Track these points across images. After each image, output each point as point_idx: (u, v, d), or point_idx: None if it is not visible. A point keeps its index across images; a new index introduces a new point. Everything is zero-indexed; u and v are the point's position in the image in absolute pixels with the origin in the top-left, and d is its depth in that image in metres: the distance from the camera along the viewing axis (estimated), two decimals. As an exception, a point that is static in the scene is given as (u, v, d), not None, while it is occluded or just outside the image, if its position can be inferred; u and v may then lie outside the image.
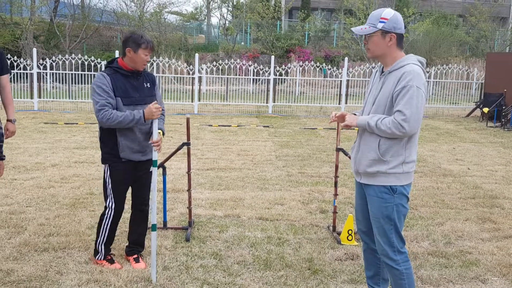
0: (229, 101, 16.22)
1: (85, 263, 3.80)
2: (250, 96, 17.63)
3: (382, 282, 3.22)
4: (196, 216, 4.98)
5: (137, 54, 3.55)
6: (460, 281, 3.70)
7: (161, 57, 16.54)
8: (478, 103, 15.12)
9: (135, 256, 3.89)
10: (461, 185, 6.58)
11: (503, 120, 12.98)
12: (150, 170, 3.74)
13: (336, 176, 4.55)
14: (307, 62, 16.81)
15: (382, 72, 2.93)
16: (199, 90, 15.48)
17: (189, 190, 4.57)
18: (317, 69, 16.86)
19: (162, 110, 3.75)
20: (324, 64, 17.66)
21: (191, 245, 4.22)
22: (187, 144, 4.43)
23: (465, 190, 6.34)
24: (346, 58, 15.43)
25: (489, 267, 3.95)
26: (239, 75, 18.22)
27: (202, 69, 16.05)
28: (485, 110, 13.69)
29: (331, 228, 4.65)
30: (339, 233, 4.48)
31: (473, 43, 30.43)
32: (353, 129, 3.13)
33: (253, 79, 18.11)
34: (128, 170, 3.70)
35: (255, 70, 15.97)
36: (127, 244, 3.98)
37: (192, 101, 14.94)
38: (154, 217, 3.54)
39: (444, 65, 16.83)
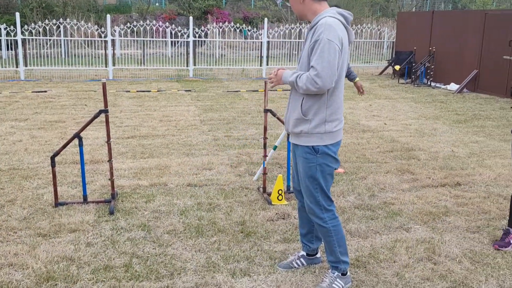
0: (146, 65, 15.50)
1: (-4, 247, 3.44)
2: (168, 59, 16.99)
3: (316, 239, 3.25)
4: (119, 187, 4.70)
5: None
6: (386, 231, 3.85)
7: (68, 19, 15.25)
8: (390, 61, 15.82)
9: None
10: (380, 140, 6.87)
11: (413, 76, 13.72)
12: None
13: (265, 138, 4.48)
14: (226, 23, 16.42)
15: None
16: (113, 54, 14.59)
17: (110, 160, 4.27)
18: (237, 30, 16.58)
19: None
20: (244, 25, 17.36)
21: (116, 218, 3.98)
22: (105, 111, 4.09)
23: (384, 144, 6.63)
24: (266, 19, 15.28)
25: (411, 216, 4.17)
26: (155, 37, 17.40)
27: (115, 31, 15.08)
28: (397, 67, 14.37)
29: (261, 189, 4.62)
30: (269, 194, 4.47)
31: (384, 3, 31.62)
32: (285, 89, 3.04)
33: (171, 42, 17.42)
34: None
35: (173, 32, 15.32)
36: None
37: (106, 66, 14.06)
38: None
39: (359, 25, 17.31)
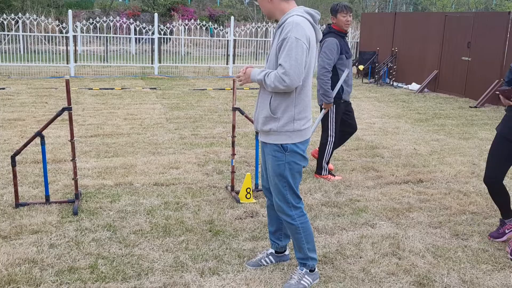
0: (109, 62, 15.17)
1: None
2: (133, 57, 16.68)
3: (284, 237, 3.27)
4: (83, 187, 4.58)
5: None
6: (352, 228, 3.93)
7: (27, 14, 14.71)
8: (354, 61, 16.11)
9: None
10: (346, 138, 6.98)
11: (376, 76, 14.03)
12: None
13: (233, 136, 4.47)
14: (193, 20, 16.27)
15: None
16: (75, 51, 14.20)
17: (73, 159, 4.15)
18: (203, 28, 16.46)
19: None
20: (210, 23, 17.25)
21: (80, 219, 3.87)
22: (68, 109, 3.97)
23: (349, 142, 6.73)
24: (232, 18, 15.24)
25: (376, 213, 4.26)
26: (119, 34, 17.06)
27: (77, 27, 14.67)
28: (361, 67, 14.65)
29: (229, 188, 4.61)
30: (237, 192, 4.47)
31: (348, 4, 32.16)
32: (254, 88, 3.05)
33: (136, 39, 17.11)
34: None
35: (137, 29, 15.05)
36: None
37: (67, 63, 13.66)
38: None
39: (324, 25, 17.54)
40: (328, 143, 5.03)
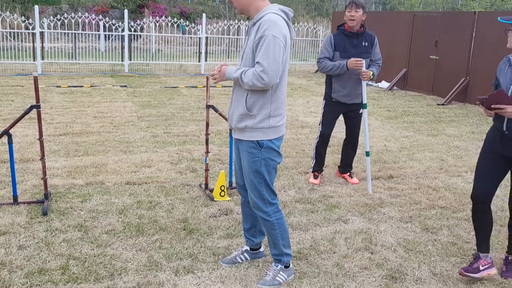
0: (78, 59, 14.84)
1: None
2: (102, 53, 16.36)
3: (259, 234, 3.28)
4: (52, 187, 4.47)
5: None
6: (326, 224, 3.97)
7: (-10, 9, 14.22)
8: (326, 60, 16.27)
9: (348, 174, 5.08)
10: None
11: (347, 74, 14.21)
12: (360, 112, 4.82)
13: (207, 134, 4.45)
14: (164, 17, 16.07)
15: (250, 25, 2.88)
16: (42, 48, 13.82)
17: (42, 158, 4.05)
18: (174, 25, 16.30)
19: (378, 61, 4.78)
20: (181, 20, 17.09)
21: (50, 219, 3.78)
22: (37, 107, 3.86)
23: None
24: (204, 15, 15.14)
25: (349, 208, 4.32)
26: (88, 30, 16.69)
27: (44, 23, 14.26)
28: (332, 65, 14.81)
29: (203, 186, 4.58)
30: (211, 190, 4.45)
31: (319, 2, 32.46)
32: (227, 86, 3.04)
33: (105, 35, 16.78)
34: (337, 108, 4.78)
35: (107, 26, 14.76)
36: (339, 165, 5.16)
37: (34, 60, 13.28)
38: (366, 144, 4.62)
39: (295, 24, 17.64)
40: (316, 138, 5.03)
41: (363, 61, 4.49)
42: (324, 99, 4.91)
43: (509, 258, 3.30)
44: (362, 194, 4.68)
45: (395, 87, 12.81)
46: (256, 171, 2.87)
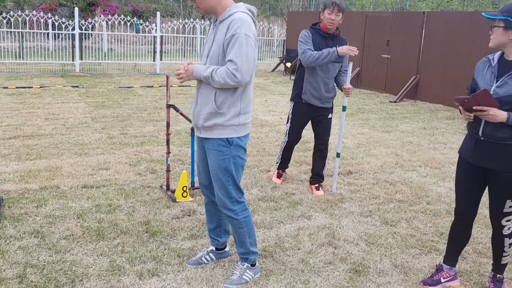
0: (25, 59, 14.20)
1: None
2: (51, 53, 15.74)
3: (224, 233, 3.26)
4: (4, 192, 4.25)
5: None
6: (289, 221, 4.00)
7: None
8: (282, 59, 16.44)
9: (316, 185, 4.73)
10: (277, 134, 7.11)
11: (303, 73, 14.40)
12: (329, 117, 4.66)
13: (167, 134, 4.37)
14: (116, 15, 15.65)
15: (215, 23, 2.84)
16: (-14, 47, 13.11)
17: (-8, 163, 3.83)
18: (127, 24, 15.92)
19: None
20: (135, 18, 16.71)
21: (3, 226, 3.59)
22: (-16, 108, 3.65)
23: (281, 138, 6.86)
24: (158, 13, 14.87)
25: (311, 205, 4.38)
26: (36, 29, 16.00)
27: (-13, 21, 13.55)
28: (288, 65, 14.98)
29: (164, 187, 4.50)
30: (173, 192, 4.38)
31: (273, 2, 32.70)
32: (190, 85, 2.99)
33: (54, 34, 16.15)
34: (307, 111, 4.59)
35: (56, 24, 14.20)
36: (310, 175, 4.86)
37: (-23, 60, 12.59)
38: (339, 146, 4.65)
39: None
40: (282, 142, 4.88)
41: (356, 49, 4.34)
42: (292, 101, 4.67)
43: (497, 276, 3.08)
44: (323, 190, 4.75)
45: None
46: (224, 169, 2.85)
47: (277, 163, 5.00)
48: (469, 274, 3.28)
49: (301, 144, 6.55)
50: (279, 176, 4.96)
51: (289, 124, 4.75)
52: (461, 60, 10.04)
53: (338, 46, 4.42)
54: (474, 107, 2.64)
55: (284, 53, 16.78)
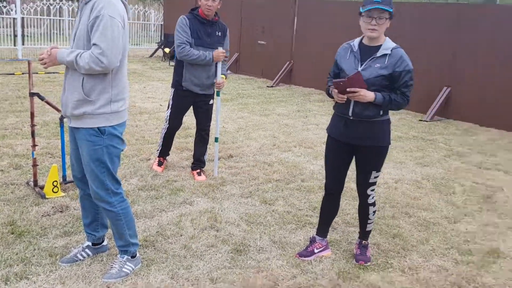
0: None
1: None
2: None
3: (101, 227, 3.11)
4: None
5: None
6: (171, 208, 3.96)
7: None
8: (160, 44, 16.03)
9: (198, 170, 4.72)
10: (157, 121, 6.95)
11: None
12: (210, 103, 4.66)
13: (32, 125, 3.99)
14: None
15: (81, 3, 2.65)
16: None
17: None
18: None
19: (226, 57, 4.52)
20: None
21: None
22: None
23: (161, 125, 6.70)
24: (17, -7, 13.45)
25: (193, 190, 4.38)
26: None
27: None
28: (167, 50, 14.66)
29: (31, 183, 4.13)
30: (42, 187, 4.04)
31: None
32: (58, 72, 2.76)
33: None
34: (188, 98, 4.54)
35: None
36: (192, 161, 4.81)
37: None
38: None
39: (125, 6, 16.90)
40: (162, 129, 4.79)
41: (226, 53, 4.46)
42: (172, 87, 4.62)
43: (363, 242, 3.36)
44: (205, 176, 4.78)
45: (228, 71, 13.27)
46: (97, 160, 2.70)
47: (157, 150, 4.89)
48: (339, 243, 3.58)
49: (182, 130, 6.48)
50: (160, 164, 4.86)
51: (169, 110, 4.68)
52: (331, 46, 10.76)
53: (218, 33, 4.50)
54: (348, 89, 2.85)
55: (162, 38, 16.39)
